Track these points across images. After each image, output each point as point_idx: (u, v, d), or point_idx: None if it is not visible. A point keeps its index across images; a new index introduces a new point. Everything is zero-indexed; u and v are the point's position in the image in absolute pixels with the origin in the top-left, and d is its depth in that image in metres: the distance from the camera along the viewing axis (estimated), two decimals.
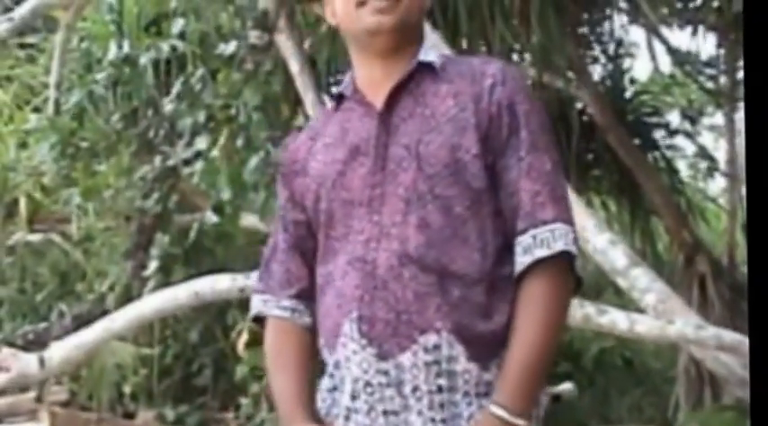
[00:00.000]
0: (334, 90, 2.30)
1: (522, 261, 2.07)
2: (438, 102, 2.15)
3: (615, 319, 4.75)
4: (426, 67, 2.18)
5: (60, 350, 5.73)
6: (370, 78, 2.19)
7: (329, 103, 2.30)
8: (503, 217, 2.11)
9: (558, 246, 2.06)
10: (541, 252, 2.05)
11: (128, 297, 6.38)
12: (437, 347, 2.04)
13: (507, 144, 2.11)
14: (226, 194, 5.78)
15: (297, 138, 2.34)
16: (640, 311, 4.89)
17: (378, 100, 2.17)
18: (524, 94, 2.17)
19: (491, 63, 2.21)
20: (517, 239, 2.08)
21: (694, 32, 7.63)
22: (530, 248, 2.06)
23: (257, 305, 2.33)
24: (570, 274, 2.11)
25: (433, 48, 2.26)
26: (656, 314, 4.82)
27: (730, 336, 4.68)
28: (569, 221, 2.10)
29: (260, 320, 2.34)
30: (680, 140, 8.56)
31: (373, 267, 2.08)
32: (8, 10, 7.86)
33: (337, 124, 2.23)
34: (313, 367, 2.27)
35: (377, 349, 2.06)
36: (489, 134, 2.11)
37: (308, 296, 2.26)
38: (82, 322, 6.11)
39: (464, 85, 2.15)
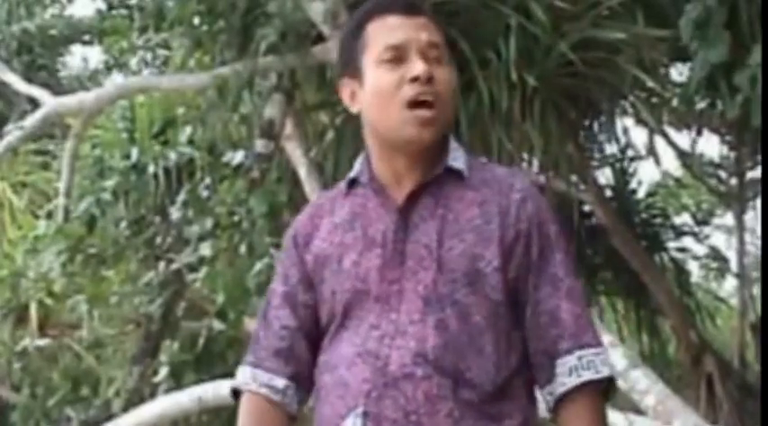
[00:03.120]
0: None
1: (565, 381, 2.07)
2: (462, 207, 2.12)
3: (614, 421, 4.74)
4: (452, 172, 2.16)
5: None
6: (392, 171, 2.15)
7: (340, 186, 2.27)
8: (520, 332, 2.11)
9: (606, 372, 2.08)
10: (589, 375, 2.07)
11: (134, 403, 6.41)
12: None
13: (539, 262, 2.10)
14: (225, 299, 5.84)
15: (300, 218, 2.27)
16: (641, 412, 4.89)
17: (398, 193, 2.14)
18: (551, 214, 2.17)
19: (518, 176, 2.20)
20: (561, 359, 2.08)
21: (699, 134, 7.73)
22: (575, 369, 2.07)
23: (245, 376, 2.21)
24: (605, 393, 2.14)
25: (460, 150, 2.22)
26: (656, 414, 4.83)
27: None
28: (605, 346, 2.14)
29: (237, 394, 2.23)
30: (690, 242, 8.60)
31: (385, 364, 2.03)
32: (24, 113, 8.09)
33: (347, 207, 2.18)
34: None
35: None
36: (515, 250, 2.10)
37: (302, 381, 2.19)
38: None
39: (490, 195, 2.14)
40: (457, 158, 2.17)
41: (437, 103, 2.10)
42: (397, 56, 2.11)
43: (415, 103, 2.09)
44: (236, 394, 2.23)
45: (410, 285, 2.07)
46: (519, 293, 2.10)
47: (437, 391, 2.00)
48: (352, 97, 2.19)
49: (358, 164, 2.22)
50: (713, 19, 4.70)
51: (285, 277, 2.23)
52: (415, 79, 2.08)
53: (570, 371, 2.07)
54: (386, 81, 2.11)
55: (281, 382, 2.18)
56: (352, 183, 2.21)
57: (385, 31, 2.14)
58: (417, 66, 2.09)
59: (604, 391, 2.13)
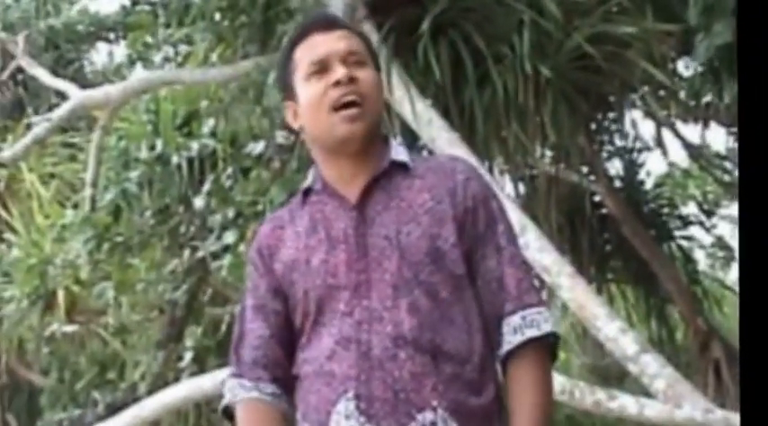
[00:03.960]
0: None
1: (511, 340, 2.20)
2: (413, 195, 2.26)
3: (625, 404, 4.87)
4: (398, 165, 2.30)
5: None
6: (340, 175, 2.28)
7: (295, 198, 2.42)
8: (480, 300, 2.25)
9: (547, 328, 2.22)
10: (532, 332, 2.20)
11: (159, 386, 6.56)
12: (434, 424, 2.12)
13: (485, 235, 2.26)
14: None
15: (261, 231, 2.38)
16: (651, 396, 5.03)
17: (350, 194, 2.27)
18: (494, 191, 2.35)
19: (459, 161, 2.37)
20: (506, 320, 2.21)
21: (706, 126, 7.87)
22: (520, 328, 2.21)
23: (233, 388, 2.31)
24: (551, 350, 2.27)
25: (402, 146, 2.39)
26: (666, 398, 4.92)
27: (739, 419, 4.80)
28: (547, 306, 2.30)
29: (229, 413, 2.33)
30: (696, 231, 8.76)
31: (368, 348, 2.15)
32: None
33: (307, 215, 2.30)
34: None
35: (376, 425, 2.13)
36: (465, 225, 2.25)
37: (284, 383, 2.29)
38: (115, 409, 6.31)
39: (437, 180, 2.29)
40: (399, 153, 2.33)
41: (363, 101, 2.25)
42: (321, 68, 2.27)
43: (340, 105, 2.24)
44: (228, 416, 2.33)
45: (377, 275, 2.20)
46: (471, 264, 2.25)
47: (421, 369, 2.14)
48: (294, 116, 2.34)
49: (310, 176, 2.35)
50: (719, 4, 4.83)
51: (254, 289, 2.34)
52: (337, 83, 2.24)
53: (515, 330, 2.21)
54: (313, 91, 2.27)
55: (266, 386, 2.29)
56: (307, 193, 2.33)
57: (308, 50, 2.30)
58: (338, 72, 2.25)
59: (551, 349, 2.26)
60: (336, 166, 2.30)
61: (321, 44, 2.30)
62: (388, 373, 2.15)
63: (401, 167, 2.31)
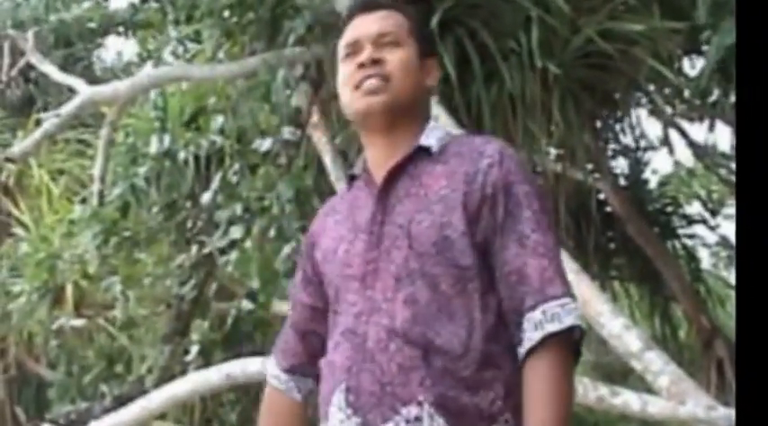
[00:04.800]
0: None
1: (531, 336, 2.07)
2: (432, 181, 2.21)
3: (628, 400, 4.88)
4: (426, 150, 2.27)
5: None
6: (375, 158, 2.30)
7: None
8: (494, 294, 2.14)
9: (569, 321, 2.08)
10: (552, 327, 2.07)
11: (166, 379, 6.60)
12: (418, 419, 2.06)
13: (504, 224, 2.14)
14: (256, 283, 6.02)
15: (316, 217, 2.45)
16: (654, 393, 5.05)
17: (380, 179, 2.27)
18: (523, 175, 2.20)
19: (490, 143, 2.26)
20: (527, 316, 2.09)
21: (711, 126, 7.88)
22: (541, 323, 2.07)
23: (268, 365, 2.50)
24: (575, 347, 2.12)
25: (438, 129, 2.32)
26: (669, 395, 4.95)
27: None
28: (574, 296, 2.12)
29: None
30: (701, 230, 8.80)
31: (363, 340, 2.14)
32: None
33: (347, 202, 2.34)
34: None
35: (361, 418, 2.10)
36: (481, 213, 2.15)
37: (301, 372, 2.41)
38: (122, 402, 6.35)
39: (459, 165, 2.21)
40: (430, 136, 2.28)
41: (387, 80, 2.26)
42: (353, 50, 2.34)
43: (361, 84, 2.28)
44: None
45: (384, 265, 2.17)
46: (488, 256, 2.15)
47: (409, 362, 2.08)
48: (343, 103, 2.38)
49: (358, 161, 2.41)
50: (728, 3, 4.84)
51: (297, 276, 2.46)
52: (360, 65, 2.28)
53: (535, 326, 2.08)
54: (343, 73, 2.34)
55: (281, 374, 2.44)
56: (352, 179, 2.39)
57: (346, 34, 2.37)
58: (363, 54, 2.29)
59: (574, 344, 2.11)
60: (371, 150, 2.32)
61: (357, 27, 2.34)
62: (378, 365, 2.12)
63: (427, 152, 2.27)
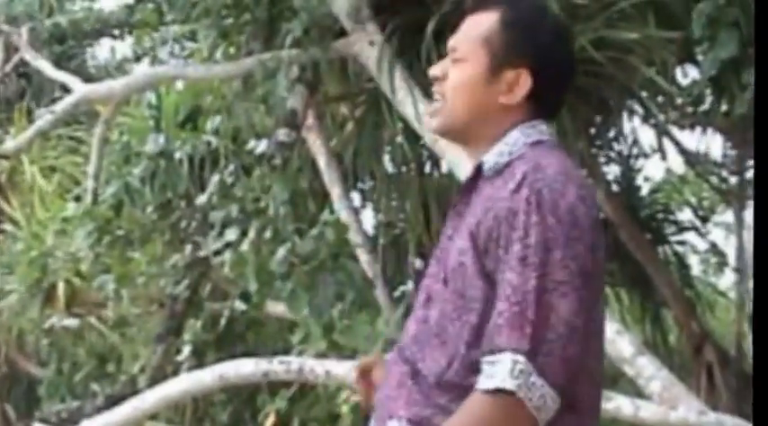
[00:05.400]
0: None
1: (480, 380, 2.00)
2: (476, 202, 2.14)
3: (620, 405, 4.92)
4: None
5: None
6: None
7: None
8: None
9: (493, 383, 1.95)
10: (482, 384, 1.98)
11: (158, 379, 6.61)
12: None
13: (504, 256, 2.02)
14: (252, 285, 6.03)
15: None
16: (646, 398, 5.08)
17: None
18: (537, 203, 2.01)
19: (528, 163, 2.09)
20: (483, 359, 2.01)
21: (704, 133, 7.93)
22: (482, 372, 1.99)
23: None
24: (516, 410, 1.94)
25: (507, 144, 2.16)
26: (661, 400, 4.97)
27: (732, 422, 4.79)
28: (524, 350, 1.94)
29: None
30: (691, 236, 8.84)
31: (395, 351, 2.22)
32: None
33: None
34: None
35: None
36: (490, 243, 2.05)
37: None
38: (114, 401, 6.34)
39: (493, 190, 2.10)
40: (496, 153, 2.14)
41: (444, 98, 2.22)
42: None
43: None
44: None
45: (427, 281, 2.19)
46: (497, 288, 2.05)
47: (402, 378, 2.13)
48: None
49: None
50: (724, 17, 4.88)
51: None
52: (434, 79, 2.27)
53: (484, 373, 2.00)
54: None
55: None
56: None
57: None
58: (438, 66, 2.27)
59: (509, 404, 1.94)
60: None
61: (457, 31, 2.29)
62: (389, 377, 2.19)
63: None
